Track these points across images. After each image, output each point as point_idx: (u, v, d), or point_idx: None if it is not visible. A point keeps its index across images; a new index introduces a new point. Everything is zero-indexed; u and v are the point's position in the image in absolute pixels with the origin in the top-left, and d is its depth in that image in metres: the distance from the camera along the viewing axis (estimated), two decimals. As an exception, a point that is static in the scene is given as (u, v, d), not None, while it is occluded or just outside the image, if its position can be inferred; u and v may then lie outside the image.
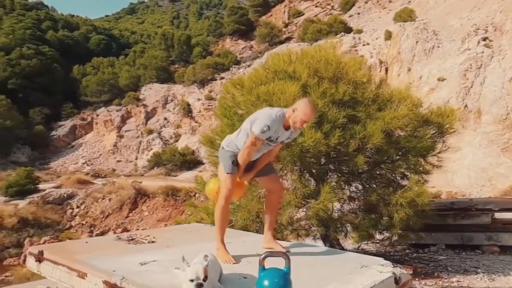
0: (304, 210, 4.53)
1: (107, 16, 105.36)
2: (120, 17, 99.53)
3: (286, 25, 53.97)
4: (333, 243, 5.23)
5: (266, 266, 2.28)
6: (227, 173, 3.21)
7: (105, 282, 2.51)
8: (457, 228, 6.51)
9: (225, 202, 3.22)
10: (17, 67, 44.86)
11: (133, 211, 25.32)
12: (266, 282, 2.18)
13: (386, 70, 33.76)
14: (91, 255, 2.97)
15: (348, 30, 44.53)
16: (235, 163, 3.23)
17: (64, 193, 27.80)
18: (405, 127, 4.76)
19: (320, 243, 5.22)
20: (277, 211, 3.63)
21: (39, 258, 3.02)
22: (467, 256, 6.11)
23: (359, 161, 4.36)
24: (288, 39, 49.94)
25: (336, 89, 4.56)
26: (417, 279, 4.79)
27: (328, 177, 4.78)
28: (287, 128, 3.22)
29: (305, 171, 4.73)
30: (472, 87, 22.76)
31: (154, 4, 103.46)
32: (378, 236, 5.41)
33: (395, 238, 5.32)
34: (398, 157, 4.92)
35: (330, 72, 4.69)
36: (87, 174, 34.18)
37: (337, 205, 5.04)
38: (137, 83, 47.44)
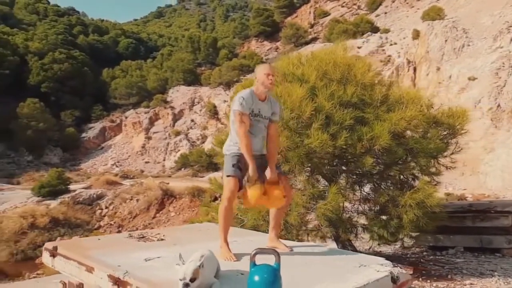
0: (313, 211, 4.56)
1: (135, 20, 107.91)
2: (148, 21, 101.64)
3: (312, 26, 53.77)
4: (345, 244, 5.23)
5: (263, 263, 2.35)
6: (227, 176, 3.30)
7: (109, 276, 2.65)
8: (476, 230, 6.37)
9: (228, 203, 3.31)
10: (49, 71, 46.46)
11: (160, 212, 25.71)
12: (256, 278, 2.26)
13: (415, 69, 33.17)
14: (100, 251, 3.12)
15: (375, 29, 44.00)
16: (236, 165, 3.30)
17: (94, 194, 28.52)
18: (415, 128, 4.72)
19: (333, 244, 5.24)
20: (283, 212, 3.68)
21: (53, 253, 3.20)
22: (486, 259, 5.97)
23: (366, 162, 4.37)
24: (314, 39, 49.73)
25: (344, 91, 4.58)
26: (429, 281, 4.73)
27: (337, 178, 4.80)
28: (263, 99, 3.40)
29: (313, 172, 4.77)
30: (505, 86, 22.05)
31: (181, 7, 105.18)
32: (390, 238, 5.36)
33: (407, 240, 5.27)
34: (409, 158, 4.88)
35: (338, 74, 4.71)
36: (116, 175, 34.91)
37: (348, 205, 5.04)
38: (165, 85, 48.33)
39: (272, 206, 3.49)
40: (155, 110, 45.31)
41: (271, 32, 53.75)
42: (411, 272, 3.19)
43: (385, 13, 49.63)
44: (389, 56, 38.74)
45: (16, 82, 45.95)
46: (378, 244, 5.69)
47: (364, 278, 2.74)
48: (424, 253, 6.59)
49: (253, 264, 2.33)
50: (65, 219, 24.79)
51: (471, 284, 4.67)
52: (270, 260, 2.38)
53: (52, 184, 27.46)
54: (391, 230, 4.78)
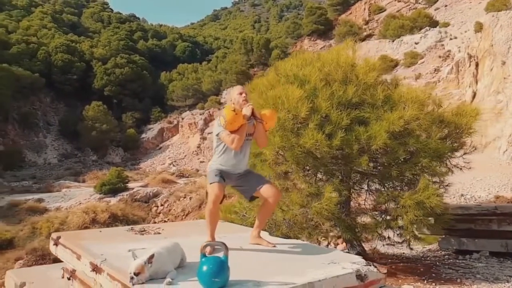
0: (307, 209, 4.62)
1: (192, 23, 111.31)
2: (204, 24, 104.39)
3: (367, 22, 52.45)
4: (353, 245, 5.23)
5: (214, 255, 2.53)
6: (211, 183, 3.52)
7: (90, 263, 2.95)
8: (502, 234, 6.03)
9: (213, 206, 3.51)
10: (112, 76, 49.39)
11: (211, 210, 26.39)
12: (204, 268, 2.44)
13: (477, 65, 31.31)
14: (94, 242, 3.45)
15: (434, 24, 41.99)
16: (218, 175, 3.52)
17: (150, 192, 29.85)
18: (419, 128, 4.60)
19: (340, 246, 5.25)
20: (270, 214, 3.83)
21: (56, 242, 3.58)
22: (510, 265, 5.65)
23: (362, 162, 4.35)
24: (369, 36, 48.47)
25: (345, 91, 4.59)
26: (434, 283, 4.61)
27: (333, 177, 4.80)
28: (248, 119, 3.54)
29: (309, 171, 4.82)
30: None
31: (236, 9, 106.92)
32: (397, 238, 5.26)
33: (414, 241, 5.13)
34: (412, 158, 4.77)
35: (340, 74, 4.72)
36: (172, 174, 36.23)
37: (351, 205, 5.02)
38: (219, 87, 49.49)
39: (271, 122, 3.66)
40: (209, 112, 46.56)
41: (324, 30, 53.15)
42: (385, 272, 3.18)
43: (445, 6, 47.19)
44: (449, 51, 36.81)
45: (82, 87, 49.55)
46: (392, 244, 5.58)
47: (324, 273, 2.81)
48: (446, 256, 6.36)
49: (202, 255, 2.51)
50: (123, 215, 26.18)
51: (478, 289, 4.49)
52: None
53: (112, 182, 28.93)
54: (397, 231, 4.71)
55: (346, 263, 3.12)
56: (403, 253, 6.57)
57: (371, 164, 4.69)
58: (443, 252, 6.64)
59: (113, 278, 2.63)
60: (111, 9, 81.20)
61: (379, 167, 4.73)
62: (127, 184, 29.74)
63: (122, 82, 49.57)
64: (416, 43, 39.51)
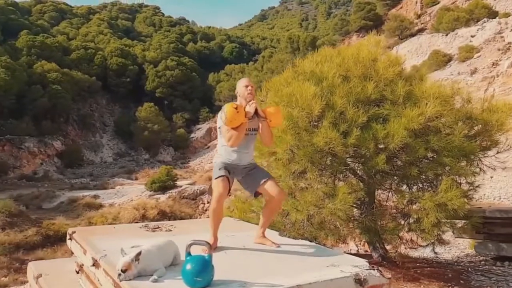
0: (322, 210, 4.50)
1: (240, 24, 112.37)
2: (252, 24, 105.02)
3: (419, 16, 50.33)
4: (376, 247, 5.05)
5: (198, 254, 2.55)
6: (216, 178, 3.51)
7: (92, 258, 3.08)
8: (546, 240, 5.56)
9: (217, 204, 3.53)
10: (163, 78, 51.13)
11: (253, 207, 26.58)
12: (187, 267, 2.47)
13: (542, 58, 29.11)
14: (103, 238, 3.59)
15: (493, 14, 39.49)
16: (222, 169, 3.51)
17: (197, 189, 30.56)
18: (443, 125, 4.34)
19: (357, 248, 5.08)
20: (274, 214, 3.78)
21: (71, 237, 3.76)
22: (552, 273, 5.19)
23: (379, 161, 4.17)
24: (421, 30, 46.52)
25: (363, 88, 4.43)
26: (460, 290, 4.34)
27: (350, 177, 4.65)
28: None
29: (325, 170, 4.69)
30: None
31: (283, 8, 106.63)
32: (422, 241, 5.00)
33: (438, 245, 4.85)
34: (436, 157, 4.50)
35: (359, 70, 4.57)
36: (219, 172, 36.75)
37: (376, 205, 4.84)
38: (265, 86, 49.62)
39: (276, 120, 3.60)
40: (255, 111, 46.79)
41: (373, 26, 51.62)
42: (389, 276, 3.04)
43: (506, -5, 44.23)
44: (509, 43, 34.50)
45: (135, 89, 51.77)
46: (414, 248, 5.33)
47: (318, 276, 2.74)
48: (482, 262, 5.97)
49: (187, 254, 2.54)
50: (171, 212, 26.99)
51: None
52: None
53: (161, 180, 29.84)
54: (421, 234, 4.48)
55: (347, 266, 3.02)
56: (437, 257, 6.24)
57: (391, 164, 4.48)
58: (480, 258, 6.24)
59: (107, 274, 2.72)
60: (162, 13, 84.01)
61: (399, 167, 4.52)
62: (175, 182, 30.53)
63: (173, 84, 51.14)
64: (472, 36, 37.34)
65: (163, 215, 26.18)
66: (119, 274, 2.52)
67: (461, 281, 4.70)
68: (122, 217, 24.24)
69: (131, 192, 31.08)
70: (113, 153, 46.16)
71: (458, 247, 7.59)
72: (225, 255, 3.24)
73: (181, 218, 27.24)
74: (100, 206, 26.95)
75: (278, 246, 3.52)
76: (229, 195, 3.68)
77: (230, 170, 3.53)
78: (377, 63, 4.66)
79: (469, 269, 5.48)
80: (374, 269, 3.05)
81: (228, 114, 3.39)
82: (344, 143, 4.16)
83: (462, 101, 4.80)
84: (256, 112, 3.50)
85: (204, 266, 2.45)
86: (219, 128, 3.62)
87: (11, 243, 15.99)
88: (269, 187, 3.56)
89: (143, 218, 25.27)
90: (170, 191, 29.32)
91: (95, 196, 28.78)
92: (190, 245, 2.55)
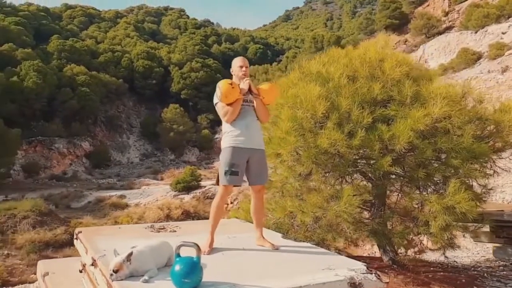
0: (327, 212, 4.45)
1: (264, 25, 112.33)
2: (276, 25, 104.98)
3: (446, 14, 49.04)
4: (386, 250, 4.96)
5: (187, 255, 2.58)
6: (224, 174, 3.51)
7: (92, 258, 3.16)
8: None
9: (221, 199, 3.58)
10: (188, 79, 51.80)
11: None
12: (176, 268, 2.51)
13: None
14: (106, 238, 3.67)
15: (525, 10, 38.05)
16: (228, 172, 3.47)
17: (221, 190, 30.81)
18: (451, 126, 4.22)
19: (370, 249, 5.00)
20: (261, 212, 3.76)
21: (77, 237, 3.87)
22: None
23: (384, 163, 4.10)
24: (448, 28, 45.31)
25: (369, 88, 4.36)
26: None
27: (357, 179, 4.58)
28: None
29: (330, 172, 4.64)
30: None
31: (307, 8, 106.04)
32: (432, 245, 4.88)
33: (449, 249, 4.71)
34: (445, 159, 4.38)
35: (366, 70, 4.50)
36: (242, 173, 36.92)
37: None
38: (289, 87, 49.48)
39: (269, 97, 3.65)
40: (279, 111, 46.74)
41: (399, 24, 50.79)
42: (386, 281, 2.99)
43: (539, -11, 42.55)
44: (541, 40, 33.20)
45: (161, 90, 52.62)
46: (424, 251, 5.19)
47: (310, 279, 2.72)
48: (500, 267, 5.76)
49: (177, 255, 2.57)
50: (195, 212, 27.25)
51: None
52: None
53: (186, 180, 30.12)
54: (430, 237, 4.37)
55: (343, 269, 2.99)
56: (454, 261, 6.08)
57: (399, 165, 4.40)
58: (500, 263, 6.03)
59: (102, 273, 2.79)
60: (187, 15, 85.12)
61: (407, 169, 4.43)
62: (200, 182, 30.78)
63: (197, 86, 51.71)
64: (503, 33, 36.11)
65: (187, 215, 26.45)
66: (111, 274, 2.58)
67: (475, 287, 4.56)
68: (147, 217, 24.64)
69: (156, 192, 31.56)
70: (139, 154, 47.08)
71: (480, 252, 7.38)
72: (221, 256, 3.26)
73: (205, 218, 27.48)
74: (126, 206, 27.46)
75: (277, 248, 3.52)
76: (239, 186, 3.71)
77: (237, 160, 3.48)
78: (384, 63, 4.59)
79: (485, 275, 5.31)
80: (371, 273, 3.01)
81: (223, 89, 3.48)
82: (348, 144, 4.11)
83: (473, 101, 4.67)
84: (250, 89, 3.56)
85: (192, 268, 2.49)
86: (216, 104, 3.67)
87: (41, 241, 16.56)
88: (255, 188, 3.65)
89: (168, 218, 25.63)
90: (194, 191, 29.58)
91: (122, 196, 29.34)
92: (179, 246, 2.59)
